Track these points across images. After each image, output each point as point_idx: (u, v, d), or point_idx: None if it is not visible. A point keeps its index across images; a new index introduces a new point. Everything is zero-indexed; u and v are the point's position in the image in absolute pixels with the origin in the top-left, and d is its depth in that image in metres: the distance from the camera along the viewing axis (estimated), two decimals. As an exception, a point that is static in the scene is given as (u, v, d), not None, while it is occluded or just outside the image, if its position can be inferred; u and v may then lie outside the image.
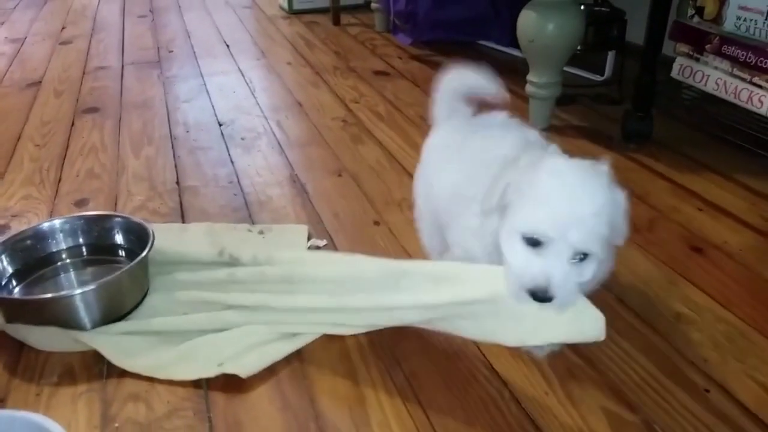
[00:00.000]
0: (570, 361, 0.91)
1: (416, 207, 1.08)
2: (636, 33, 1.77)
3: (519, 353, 0.93)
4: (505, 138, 0.91)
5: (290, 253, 1.10)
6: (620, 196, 0.77)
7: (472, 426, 0.81)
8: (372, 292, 0.91)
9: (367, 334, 0.96)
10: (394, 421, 0.82)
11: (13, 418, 0.70)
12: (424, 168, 1.05)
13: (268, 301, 0.98)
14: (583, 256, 0.75)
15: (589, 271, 0.76)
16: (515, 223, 0.76)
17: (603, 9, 1.88)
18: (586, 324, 0.78)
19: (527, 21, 1.55)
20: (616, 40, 1.86)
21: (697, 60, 1.52)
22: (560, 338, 0.80)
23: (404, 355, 0.93)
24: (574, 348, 0.93)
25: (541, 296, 0.74)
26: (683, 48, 1.56)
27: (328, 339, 0.96)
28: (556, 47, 1.55)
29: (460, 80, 1.03)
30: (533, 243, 0.74)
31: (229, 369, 0.89)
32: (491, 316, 0.82)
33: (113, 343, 0.94)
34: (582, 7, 1.57)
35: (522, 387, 0.87)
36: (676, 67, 1.58)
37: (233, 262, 1.09)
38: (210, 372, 0.89)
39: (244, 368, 0.89)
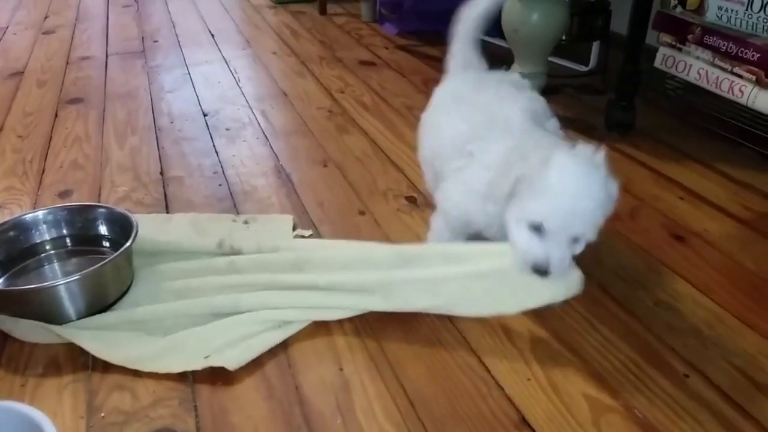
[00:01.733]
0: (552, 348, 0.92)
1: (420, 152, 1.16)
2: (620, 23, 1.78)
3: (501, 340, 0.94)
4: (515, 101, 1.00)
5: (298, 242, 1.15)
6: (614, 188, 0.88)
7: (455, 411, 0.82)
8: (381, 270, 0.98)
9: (352, 322, 0.97)
10: (378, 407, 0.83)
11: (-3, 408, 0.70)
12: (432, 113, 1.13)
13: (272, 282, 1.01)
14: (578, 240, 0.85)
15: (581, 248, 0.86)
16: (524, 212, 0.86)
17: (587, -1, 1.89)
18: (571, 284, 0.89)
19: (512, 11, 1.56)
20: (600, 30, 1.86)
21: (680, 50, 1.53)
22: (552, 299, 0.90)
23: (388, 344, 0.94)
24: (557, 335, 0.95)
25: (542, 272, 0.85)
26: (666, 38, 1.57)
27: (314, 328, 0.96)
28: (541, 37, 1.56)
29: (477, 8, 1.14)
30: (538, 229, 0.84)
31: (216, 361, 0.89)
32: (492, 290, 0.92)
33: (95, 337, 0.93)
34: (566, -3, 1.58)
35: (505, 373, 0.88)
36: (659, 57, 1.59)
37: (234, 253, 1.11)
38: (196, 365, 0.89)
39: (231, 360, 0.89)
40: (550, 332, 0.95)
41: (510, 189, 0.87)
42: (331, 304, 0.97)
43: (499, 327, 0.96)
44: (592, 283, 1.05)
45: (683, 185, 1.36)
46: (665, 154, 1.49)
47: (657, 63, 1.60)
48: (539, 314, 0.98)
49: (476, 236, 1.00)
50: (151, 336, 0.94)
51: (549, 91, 1.75)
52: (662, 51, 1.58)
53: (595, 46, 1.96)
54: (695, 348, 0.92)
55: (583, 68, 2.00)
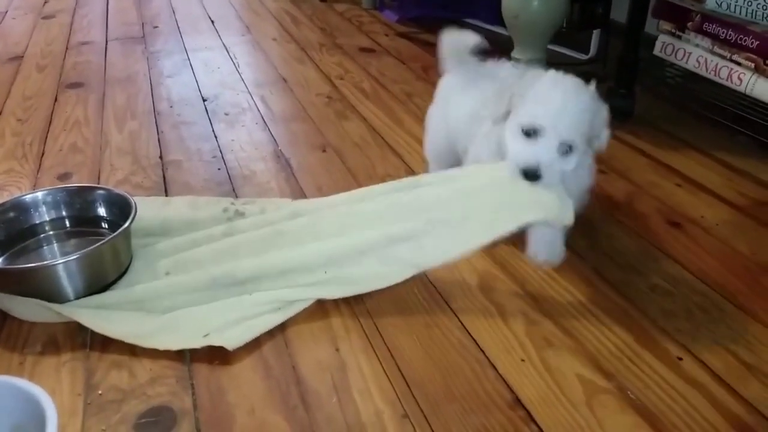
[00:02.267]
0: (546, 330, 0.93)
1: (426, 140, 1.25)
2: (620, 11, 1.78)
3: (496, 321, 0.95)
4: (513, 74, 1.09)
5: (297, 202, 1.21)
6: (603, 108, 0.97)
7: (449, 391, 0.83)
8: (379, 202, 1.05)
9: (348, 303, 0.98)
10: (374, 387, 0.84)
11: (-5, 383, 0.71)
12: (438, 104, 1.21)
13: (269, 237, 1.05)
14: (567, 150, 0.93)
15: (571, 162, 0.94)
16: (517, 118, 0.94)
17: (588, -14, 1.88)
18: (564, 208, 0.94)
19: (512, -3, 1.56)
20: (600, 18, 1.86)
21: (679, 38, 1.53)
22: (543, 215, 0.95)
23: (384, 324, 0.94)
24: (551, 318, 0.95)
25: (531, 174, 0.92)
26: (666, 26, 1.57)
27: (311, 309, 0.97)
28: (541, 23, 1.55)
29: (458, 42, 1.16)
30: (530, 134, 0.93)
31: (215, 340, 0.89)
32: (488, 204, 0.97)
33: (95, 315, 0.94)
34: (567, -16, 1.58)
35: (499, 354, 0.89)
36: (658, 44, 1.59)
37: (239, 216, 1.15)
38: (195, 343, 0.89)
39: (230, 340, 0.89)
40: (544, 314, 0.96)
41: (506, 107, 0.96)
42: (327, 276, 0.99)
43: (494, 308, 0.97)
44: (587, 267, 1.06)
45: (681, 172, 1.36)
46: (664, 141, 1.50)
47: (656, 51, 1.60)
48: (534, 296, 0.99)
49: None
50: (149, 315, 0.95)
51: (548, 78, 1.74)
52: (662, 39, 1.58)
53: (595, 34, 1.96)
54: (689, 332, 0.93)
55: (583, 56, 2.00)
